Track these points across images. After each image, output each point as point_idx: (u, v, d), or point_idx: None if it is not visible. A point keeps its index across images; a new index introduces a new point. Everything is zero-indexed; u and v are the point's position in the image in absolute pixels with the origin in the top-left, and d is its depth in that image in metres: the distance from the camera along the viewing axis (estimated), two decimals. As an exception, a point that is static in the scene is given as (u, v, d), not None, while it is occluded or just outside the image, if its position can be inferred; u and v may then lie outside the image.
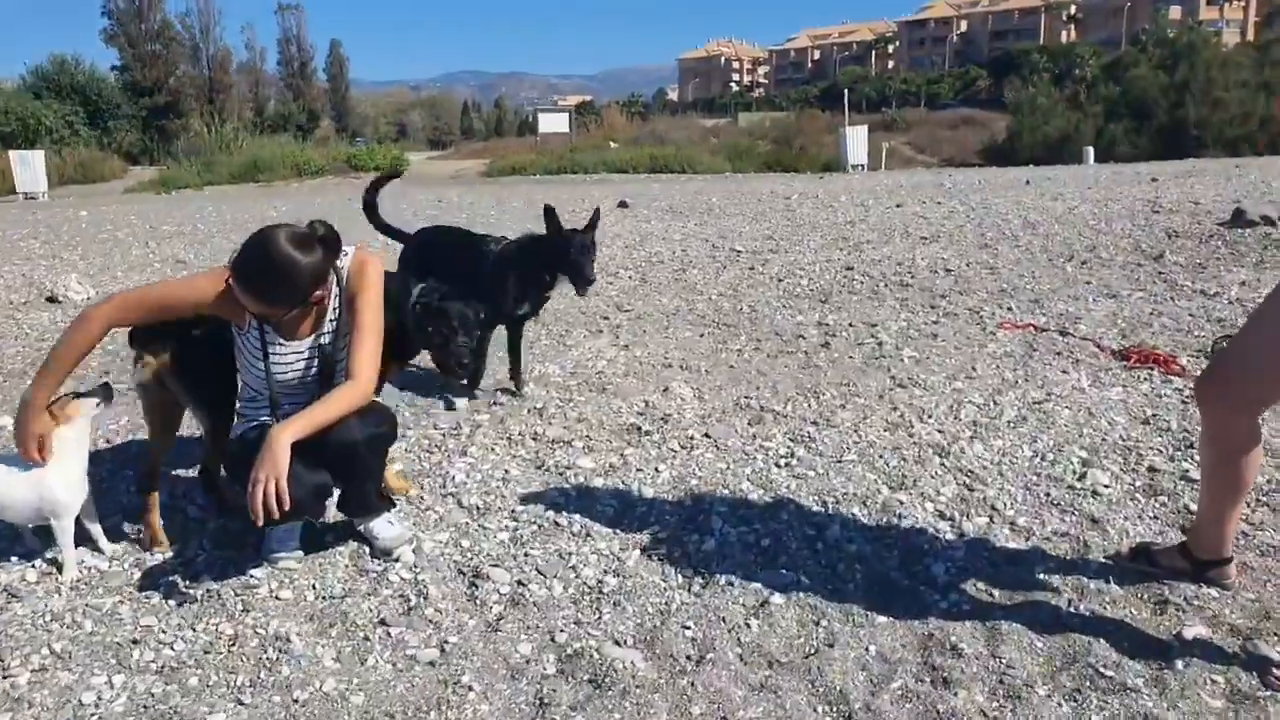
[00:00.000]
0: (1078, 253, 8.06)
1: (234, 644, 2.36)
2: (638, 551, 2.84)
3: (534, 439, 3.80)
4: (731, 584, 2.64)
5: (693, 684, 2.20)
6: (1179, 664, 2.23)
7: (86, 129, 40.59)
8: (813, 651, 2.33)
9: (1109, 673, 2.21)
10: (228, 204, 17.52)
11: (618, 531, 2.97)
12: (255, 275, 2.46)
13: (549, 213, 4.12)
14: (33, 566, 2.74)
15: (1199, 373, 4.45)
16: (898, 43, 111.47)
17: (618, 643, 2.37)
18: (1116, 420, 3.90)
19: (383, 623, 2.45)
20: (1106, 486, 3.26)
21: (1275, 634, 2.36)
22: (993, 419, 3.95)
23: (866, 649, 2.33)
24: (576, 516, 3.06)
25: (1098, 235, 8.94)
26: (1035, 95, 47.07)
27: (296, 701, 2.14)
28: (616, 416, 4.08)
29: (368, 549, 2.81)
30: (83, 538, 2.77)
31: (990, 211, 11.21)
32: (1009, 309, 6.06)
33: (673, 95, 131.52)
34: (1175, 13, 75.39)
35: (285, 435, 2.37)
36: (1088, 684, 2.17)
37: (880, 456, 3.56)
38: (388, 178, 4.96)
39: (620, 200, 14.49)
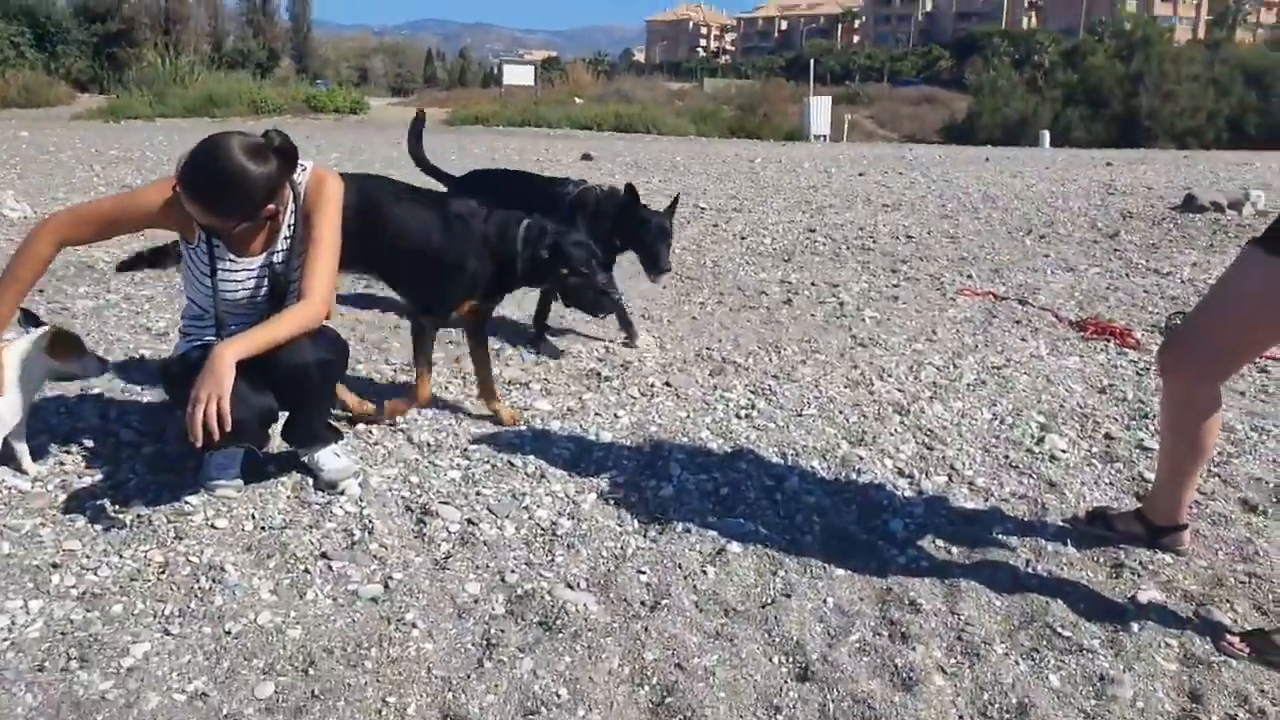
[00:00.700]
0: (1036, 227, 8.11)
1: (163, 572, 2.23)
2: (594, 495, 2.75)
3: (489, 379, 3.67)
4: (689, 531, 2.57)
5: (646, 629, 2.13)
6: (1134, 627, 2.21)
7: (33, 51, 38.80)
8: (769, 601, 2.27)
9: (1066, 633, 2.18)
10: (180, 135, 16.87)
11: (573, 475, 2.87)
12: (203, 183, 2.28)
13: (629, 190, 3.94)
14: (-53, 485, 2.57)
15: (1155, 346, 4.49)
16: (864, 18, 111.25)
17: (570, 585, 2.29)
18: (1074, 388, 3.90)
19: (324, 556, 2.33)
20: (1064, 451, 3.25)
21: (1227, 600, 2.36)
22: (952, 381, 3.93)
23: (824, 601, 2.28)
24: (531, 458, 2.96)
25: (1055, 212, 9.01)
26: (996, 78, 47.30)
27: (229, 633, 2.02)
28: (576, 361, 3.98)
29: (311, 481, 2.68)
30: (6, 457, 2.60)
31: (951, 184, 11.24)
32: (969, 276, 6.06)
33: (639, 56, 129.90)
34: (1133, 5, 76.42)
35: (230, 352, 2.21)
36: (1045, 643, 2.15)
37: (840, 412, 3.52)
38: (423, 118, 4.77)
39: (584, 153, 14.26)
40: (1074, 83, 44.44)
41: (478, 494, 2.71)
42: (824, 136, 26.50)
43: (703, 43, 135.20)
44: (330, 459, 2.67)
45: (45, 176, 9.30)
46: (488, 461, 2.92)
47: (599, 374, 3.80)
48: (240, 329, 2.40)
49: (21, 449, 2.64)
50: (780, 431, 3.30)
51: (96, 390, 3.26)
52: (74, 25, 43.30)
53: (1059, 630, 2.19)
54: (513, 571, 2.33)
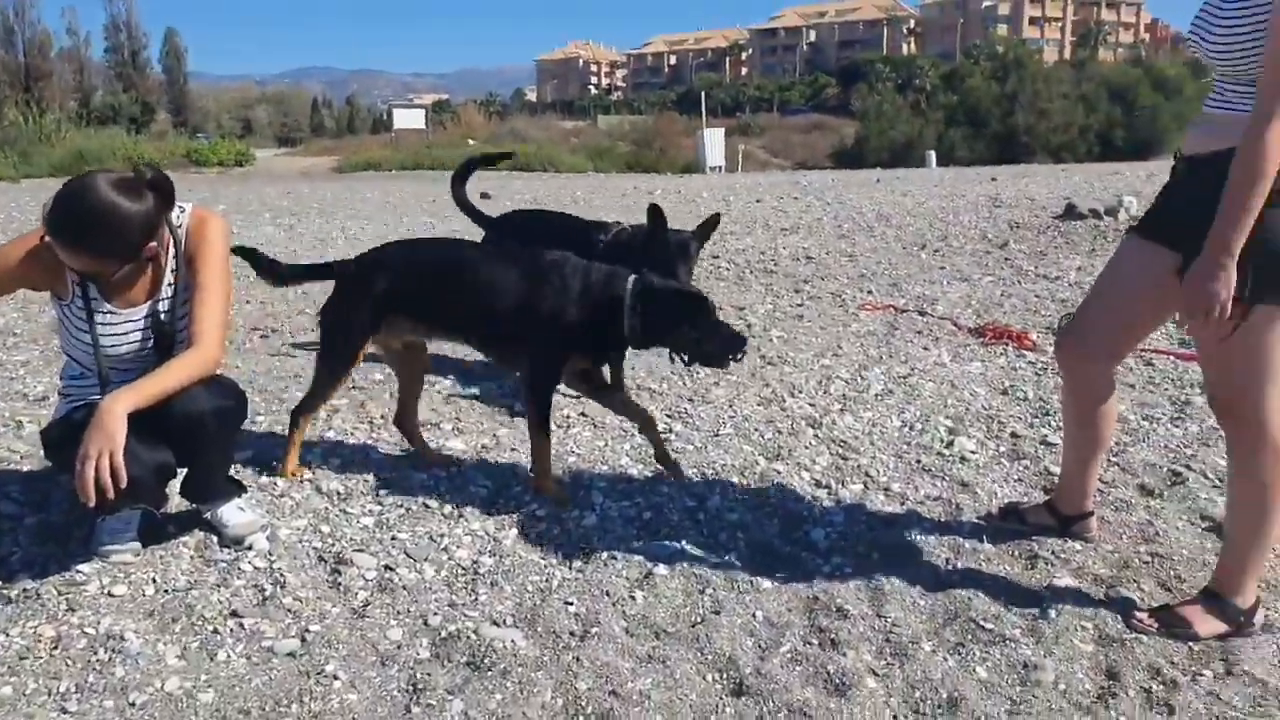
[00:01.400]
0: (930, 241, 8.40)
1: (56, 646, 2.08)
2: (515, 531, 2.70)
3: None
4: (614, 558, 2.54)
5: (578, 659, 2.08)
6: (1052, 613, 2.28)
7: (-123, 112, 36.65)
8: (699, 620, 2.26)
9: (989, 625, 2.23)
10: (48, 195, 16.14)
11: (493, 512, 2.81)
12: (74, 225, 2.16)
13: (654, 212, 3.57)
14: None
15: (1051, 345, 4.68)
16: (750, 50, 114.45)
17: (496, 623, 2.23)
18: (978, 391, 4.03)
19: (234, 614, 2.22)
20: (973, 452, 3.34)
21: (1134, 581, 2.46)
22: (861, 392, 4.01)
23: (753, 615, 2.28)
24: (447, 499, 2.88)
25: (947, 226, 9.36)
26: (881, 102, 49.26)
27: (133, 704, 1.90)
28: (487, 398, 3.92)
29: (216, 538, 2.56)
30: None
31: (845, 206, 11.57)
32: (869, 292, 6.23)
33: (531, 96, 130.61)
34: (1004, 30, 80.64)
35: (119, 405, 2.09)
36: (970, 637, 2.19)
37: (755, 430, 3.54)
38: (482, 161, 4.64)
39: (482, 193, 14.19)
40: (954, 104, 46.64)
41: (393, 539, 2.62)
42: (720, 167, 27.02)
43: (593, 80, 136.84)
44: (234, 514, 2.55)
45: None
46: (402, 506, 2.83)
47: (511, 408, 3.75)
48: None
49: None
50: (699, 453, 3.31)
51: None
52: (-77, 83, 41.14)
53: (982, 623, 2.24)
54: (435, 614, 2.26)
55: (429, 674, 2.02)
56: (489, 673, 2.03)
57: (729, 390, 4.04)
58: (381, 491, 2.94)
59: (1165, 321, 2.27)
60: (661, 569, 2.48)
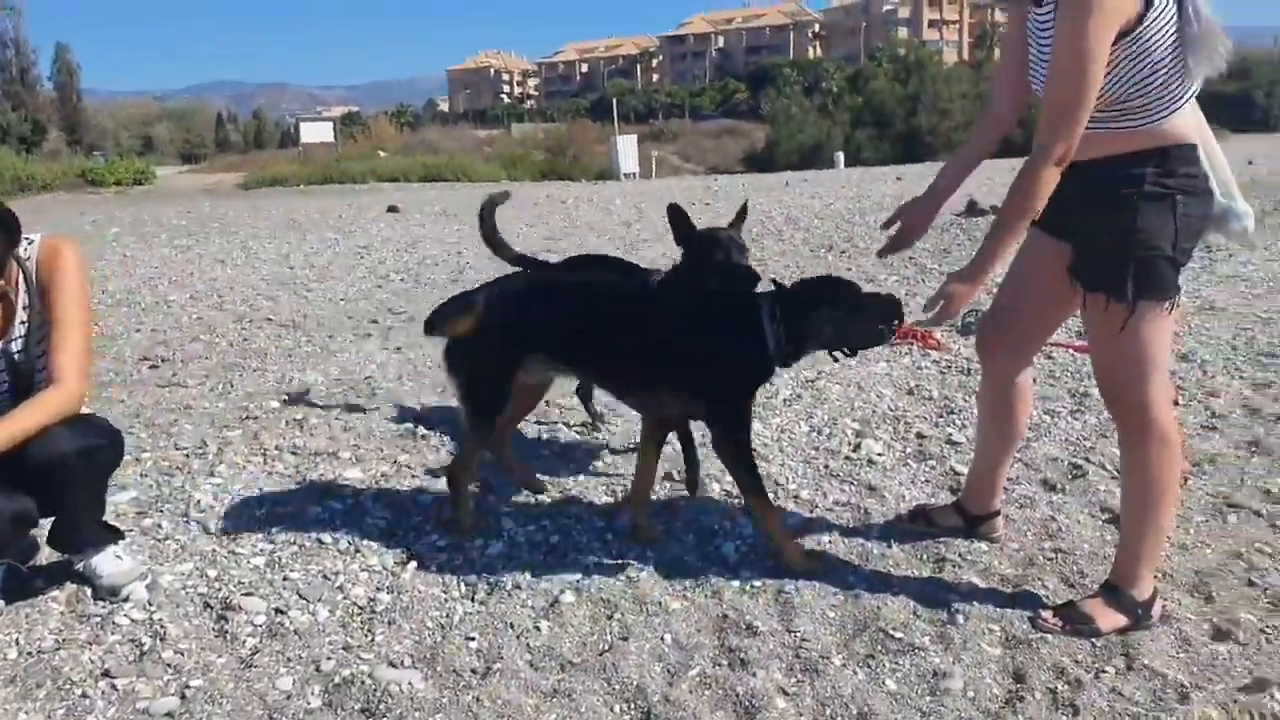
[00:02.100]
0: (836, 244, 8.51)
1: (-97, 724, 1.91)
2: (414, 564, 2.59)
3: (293, 453, 3.43)
4: (519, 587, 2.45)
5: (478, 699, 1.99)
6: (960, 618, 2.27)
7: None
8: (607, 648, 2.19)
9: (898, 634, 2.21)
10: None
11: (391, 545, 2.70)
12: None
13: (676, 212, 2.99)
14: None
15: (956, 346, 4.74)
16: (660, 57, 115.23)
17: (393, 664, 2.13)
18: (884, 392, 4.06)
19: (106, 674, 2.07)
20: (880, 455, 3.35)
21: (1039, 579, 2.47)
22: (769, 398, 3.99)
23: (662, 638, 2.22)
24: (343, 533, 2.76)
25: (853, 228, 9.50)
26: (789, 106, 50.00)
27: (-11, 784, 1.75)
28: (388, 423, 3.78)
29: (90, 590, 2.39)
30: None
31: (755, 210, 11.63)
32: (779, 297, 6.25)
33: (443, 106, 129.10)
34: (904, 33, 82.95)
35: (-32, 453, 1.93)
36: (879, 648, 2.17)
37: (666, 443, 3.48)
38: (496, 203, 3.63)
39: (390, 205, 13.92)
40: (860, 106, 47.66)
41: (285, 579, 2.49)
42: (633, 174, 27.13)
43: (506, 89, 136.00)
44: (109, 563, 2.38)
45: None
46: (295, 543, 2.70)
47: (414, 433, 3.63)
48: (-17, 431, 2.10)
49: None
50: (608, 469, 3.24)
51: None
52: None
53: (891, 633, 2.22)
54: (329, 658, 2.15)
55: (319, 726, 1.91)
56: (384, 719, 1.93)
57: (639, 403, 3.98)
58: (273, 529, 2.79)
59: (1075, 309, 2.30)
60: (569, 596, 2.40)
